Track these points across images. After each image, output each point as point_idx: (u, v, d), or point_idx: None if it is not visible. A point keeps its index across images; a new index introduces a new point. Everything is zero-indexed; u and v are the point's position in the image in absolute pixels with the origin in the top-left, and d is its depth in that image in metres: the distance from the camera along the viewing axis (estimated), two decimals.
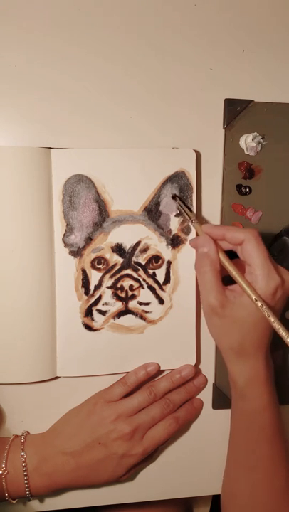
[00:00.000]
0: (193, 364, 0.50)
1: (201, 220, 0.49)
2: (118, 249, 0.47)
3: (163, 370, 0.50)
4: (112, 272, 0.48)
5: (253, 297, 0.40)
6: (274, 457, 0.45)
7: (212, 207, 0.50)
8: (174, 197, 0.47)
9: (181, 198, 0.47)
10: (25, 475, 0.45)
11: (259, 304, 0.40)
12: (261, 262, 0.41)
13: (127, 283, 0.48)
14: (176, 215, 0.48)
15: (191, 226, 0.48)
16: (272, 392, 0.45)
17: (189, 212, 0.46)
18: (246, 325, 0.42)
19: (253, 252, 0.41)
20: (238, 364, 0.44)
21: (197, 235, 0.47)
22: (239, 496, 0.47)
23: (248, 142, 0.48)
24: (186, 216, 0.47)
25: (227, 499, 0.49)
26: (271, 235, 0.50)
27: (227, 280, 0.44)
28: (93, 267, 0.47)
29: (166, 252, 0.48)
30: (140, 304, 0.49)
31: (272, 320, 0.40)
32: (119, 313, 0.48)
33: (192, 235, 0.48)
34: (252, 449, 0.45)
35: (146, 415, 0.48)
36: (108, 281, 0.48)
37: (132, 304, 0.49)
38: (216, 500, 0.66)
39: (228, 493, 0.49)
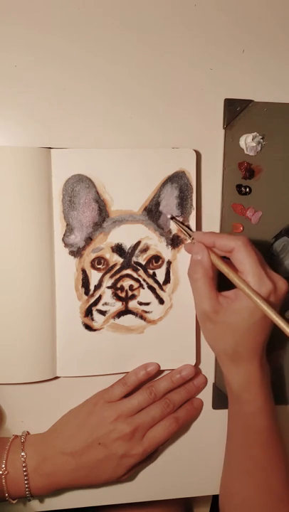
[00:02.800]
0: (193, 364, 0.50)
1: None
2: (118, 249, 0.47)
3: (163, 370, 0.50)
4: (112, 271, 0.48)
5: (252, 296, 0.40)
6: (270, 460, 0.45)
7: (212, 207, 0.50)
8: (171, 218, 0.47)
9: (177, 218, 0.47)
10: (26, 475, 0.45)
11: (257, 301, 0.40)
12: (252, 269, 0.41)
13: (127, 283, 0.48)
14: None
15: (189, 242, 0.48)
16: (268, 396, 0.45)
17: (189, 231, 0.47)
18: (239, 330, 0.42)
19: (244, 259, 0.41)
20: (232, 368, 0.45)
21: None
22: (236, 497, 0.47)
23: (248, 142, 0.48)
24: (186, 235, 0.47)
25: (224, 500, 0.49)
26: (271, 235, 0.50)
27: (220, 287, 0.44)
28: (93, 267, 0.47)
29: (166, 252, 0.48)
30: (140, 303, 0.49)
31: (272, 314, 0.39)
32: (119, 313, 0.48)
33: None
34: (248, 452, 0.46)
35: (147, 415, 0.48)
36: (108, 281, 0.48)
37: (132, 304, 0.48)
38: (216, 500, 0.66)
39: (226, 494, 0.49)
